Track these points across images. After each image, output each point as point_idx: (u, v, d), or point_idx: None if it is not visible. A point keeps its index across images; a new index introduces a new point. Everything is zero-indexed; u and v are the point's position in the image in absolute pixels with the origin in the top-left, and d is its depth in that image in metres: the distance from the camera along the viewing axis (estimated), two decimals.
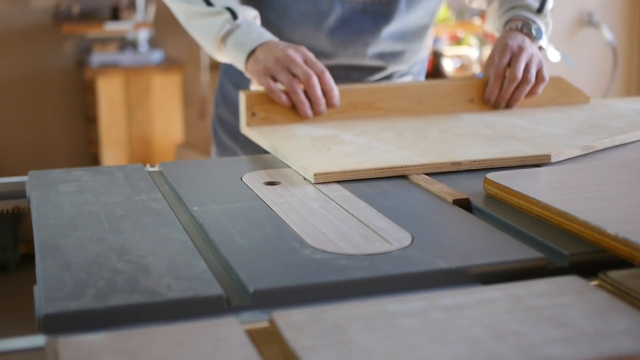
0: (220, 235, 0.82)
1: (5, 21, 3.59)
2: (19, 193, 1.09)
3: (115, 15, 3.62)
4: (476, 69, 3.76)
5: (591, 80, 4.08)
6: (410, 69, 1.52)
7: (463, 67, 3.79)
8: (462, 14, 3.90)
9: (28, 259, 3.31)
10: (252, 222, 0.85)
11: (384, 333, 0.59)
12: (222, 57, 1.37)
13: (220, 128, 1.55)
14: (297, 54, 1.26)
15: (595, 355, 0.56)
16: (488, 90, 1.36)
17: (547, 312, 0.62)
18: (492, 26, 1.54)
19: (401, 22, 1.42)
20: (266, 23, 1.42)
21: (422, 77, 1.59)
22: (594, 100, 1.45)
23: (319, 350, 0.57)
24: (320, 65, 1.26)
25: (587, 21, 4.02)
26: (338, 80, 1.36)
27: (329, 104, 1.27)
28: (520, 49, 1.34)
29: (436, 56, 3.64)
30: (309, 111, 1.26)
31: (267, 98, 1.27)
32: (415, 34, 1.46)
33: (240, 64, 1.32)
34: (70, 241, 0.81)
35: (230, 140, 1.52)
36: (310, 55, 1.27)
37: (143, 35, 3.61)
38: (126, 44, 3.65)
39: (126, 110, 3.52)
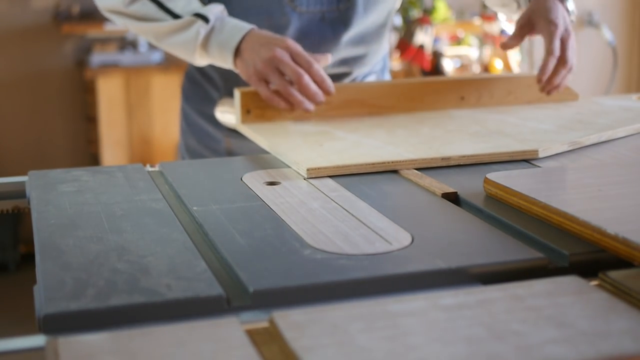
0: (220, 235, 0.82)
1: (5, 21, 3.59)
2: (19, 193, 1.09)
3: None
4: (476, 69, 3.76)
5: (591, 80, 4.08)
6: (372, 69, 1.52)
7: (463, 67, 3.79)
8: (462, 14, 3.90)
9: (28, 259, 3.31)
10: (252, 222, 0.85)
11: (384, 333, 0.59)
12: (208, 62, 1.34)
13: (190, 158, 1.52)
14: (284, 52, 1.23)
15: (595, 355, 0.56)
16: (547, 72, 1.29)
17: (547, 312, 0.62)
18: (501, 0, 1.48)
19: (360, 25, 1.41)
20: None
21: (386, 74, 1.57)
22: (583, 97, 1.47)
23: (319, 350, 0.57)
24: (307, 57, 1.24)
25: (587, 21, 4.02)
26: None
27: (325, 92, 1.25)
28: (568, 34, 1.30)
29: (436, 56, 3.64)
30: (308, 106, 1.24)
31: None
32: (375, 35, 1.45)
33: (229, 65, 1.30)
34: (70, 241, 0.81)
35: None
36: (296, 48, 1.24)
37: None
38: (126, 44, 3.65)
39: (126, 110, 3.52)
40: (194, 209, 0.90)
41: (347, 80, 1.46)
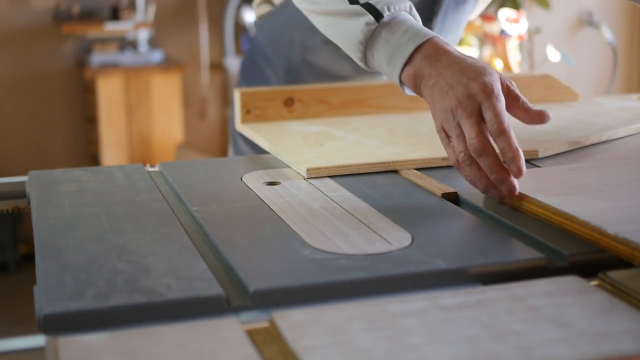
0: (220, 235, 0.82)
1: (5, 21, 3.59)
2: (19, 193, 1.09)
3: (115, 15, 3.62)
4: None
5: (591, 80, 4.08)
6: None
7: None
8: None
9: (28, 259, 3.31)
10: (252, 222, 0.85)
11: (384, 333, 0.59)
12: (375, 69, 1.03)
13: (241, 139, 1.47)
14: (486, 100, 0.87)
15: (595, 355, 0.56)
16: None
17: (547, 312, 0.62)
18: None
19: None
20: (290, 42, 1.37)
21: None
22: (583, 97, 1.47)
23: (319, 350, 0.57)
24: (504, 118, 0.87)
25: (587, 21, 4.02)
26: None
27: (514, 172, 0.86)
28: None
29: None
30: (492, 191, 0.89)
31: (262, 96, 1.29)
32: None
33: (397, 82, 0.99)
34: (70, 241, 0.81)
35: None
36: (498, 101, 0.88)
37: (143, 35, 3.61)
38: (126, 44, 3.65)
39: (126, 110, 3.52)
40: (194, 209, 0.90)
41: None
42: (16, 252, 3.31)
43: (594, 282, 0.70)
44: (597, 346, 0.57)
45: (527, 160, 1.08)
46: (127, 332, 0.61)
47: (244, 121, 1.28)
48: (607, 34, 3.94)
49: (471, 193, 0.94)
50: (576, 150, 1.15)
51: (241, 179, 1.02)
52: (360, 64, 1.03)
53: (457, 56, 0.92)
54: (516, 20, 3.56)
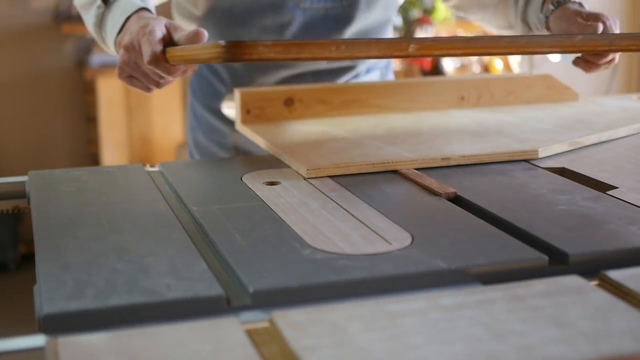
0: (220, 235, 0.82)
1: (5, 21, 3.59)
2: (19, 193, 1.09)
3: None
4: (476, 69, 3.76)
5: (591, 80, 4.08)
6: (377, 64, 1.51)
7: (463, 67, 3.79)
8: None
9: (28, 259, 3.31)
10: (252, 222, 0.85)
11: (384, 333, 0.59)
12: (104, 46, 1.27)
13: (199, 155, 1.53)
14: (139, 57, 1.11)
15: (595, 355, 0.56)
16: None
17: (547, 312, 0.62)
18: (502, 22, 1.42)
19: (363, 21, 1.41)
20: (226, 39, 1.40)
21: (390, 71, 1.56)
22: (583, 97, 1.47)
23: (318, 350, 0.57)
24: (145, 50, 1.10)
25: None
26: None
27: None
28: (598, 18, 1.18)
29: (436, 56, 3.64)
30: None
31: (262, 96, 1.29)
32: (378, 31, 1.45)
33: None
34: (70, 241, 0.81)
35: None
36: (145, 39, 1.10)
37: None
38: None
39: (126, 110, 3.52)
40: (194, 209, 0.90)
41: (352, 74, 1.46)
42: (16, 252, 3.31)
43: (594, 282, 0.70)
44: (597, 346, 0.57)
45: (527, 160, 1.09)
46: (127, 332, 0.61)
47: (243, 121, 1.28)
48: None
49: (471, 193, 0.94)
50: (576, 150, 1.15)
51: (241, 179, 1.02)
52: (103, 47, 1.26)
53: (139, 22, 1.13)
54: None
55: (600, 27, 1.18)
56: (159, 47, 1.07)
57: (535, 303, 0.64)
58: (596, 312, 0.62)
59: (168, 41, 1.09)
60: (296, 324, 0.61)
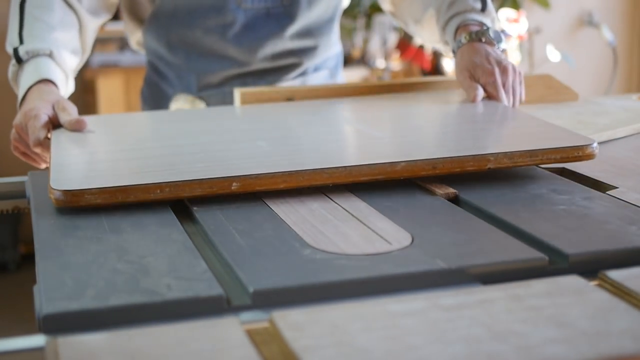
0: (220, 235, 0.82)
1: (5, 21, 3.58)
2: (19, 193, 1.09)
3: (115, 15, 3.62)
4: None
5: (591, 80, 4.08)
6: (325, 64, 1.53)
7: None
8: None
9: (28, 259, 3.31)
10: (252, 222, 0.85)
11: (384, 333, 0.59)
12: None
13: None
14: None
15: (595, 355, 0.56)
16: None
17: (547, 312, 0.62)
18: (431, 37, 1.44)
19: (305, 19, 1.43)
20: (171, 41, 1.43)
21: (339, 73, 1.58)
22: (583, 97, 1.47)
23: (318, 350, 0.57)
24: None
25: (587, 21, 4.02)
26: (255, 84, 1.41)
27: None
28: (506, 73, 1.25)
29: (436, 56, 3.64)
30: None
31: (262, 96, 1.29)
32: (322, 29, 1.47)
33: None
34: (70, 241, 0.81)
35: None
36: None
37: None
38: (126, 44, 3.65)
39: (126, 110, 3.52)
40: (194, 209, 0.90)
41: (298, 72, 1.48)
42: (16, 252, 3.30)
43: (594, 282, 0.70)
44: (597, 346, 0.57)
45: None
46: (127, 332, 0.61)
47: None
48: (607, 34, 3.94)
49: (471, 193, 0.94)
50: None
51: None
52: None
53: (30, 101, 1.22)
54: (516, 20, 3.56)
55: (502, 94, 1.24)
56: (42, 134, 1.13)
57: (535, 303, 0.64)
58: (596, 312, 0.62)
59: (55, 123, 1.17)
60: (296, 324, 0.61)
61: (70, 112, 1.18)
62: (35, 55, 1.25)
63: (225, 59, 1.42)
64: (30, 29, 1.28)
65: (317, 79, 1.51)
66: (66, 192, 0.88)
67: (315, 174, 0.92)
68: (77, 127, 1.15)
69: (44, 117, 1.15)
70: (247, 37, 1.40)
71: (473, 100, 1.24)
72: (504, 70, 1.26)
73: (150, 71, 1.53)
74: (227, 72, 1.43)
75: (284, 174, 0.91)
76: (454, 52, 1.32)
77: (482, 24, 1.31)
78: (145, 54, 1.52)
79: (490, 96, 1.25)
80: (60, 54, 1.28)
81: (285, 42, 1.43)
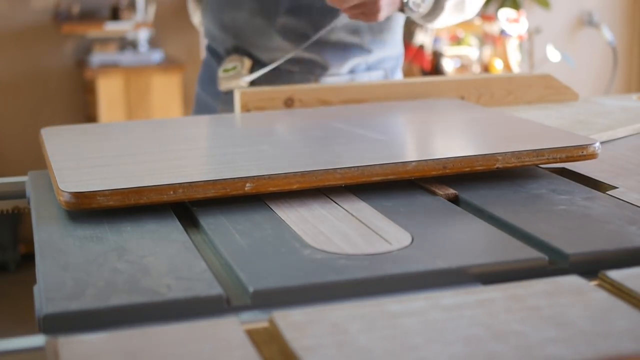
0: (220, 235, 0.82)
1: (5, 21, 3.59)
2: (19, 193, 1.09)
3: (115, 15, 3.62)
4: (476, 69, 3.76)
5: (591, 80, 4.08)
6: (381, 64, 1.50)
7: (463, 67, 3.79)
8: None
9: (28, 259, 3.31)
10: (252, 222, 0.85)
11: (384, 333, 0.59)
12: None
13: None
14: None
15: (595, 355, 0.56)
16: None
17: (547, 312, 0.62)
18: None
19: None
20: (223, 21, 1.43)
21: (397, 75, 1.55)
22: (583, 97, 1.47)
23: (319, 350, 0.57)
24: None
25: (587, 21, 4.02)
26: (303, 72, 1.39)
27: None
28: None
29: (436, 56, 3.64)
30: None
31: (262, 95, 1.29)
32: (373, 26, 1.43)
33: None
34: (70, 241, 0.81)
35: None
36: None
37: (143, 35, 3.61)
38: (126, 44, 3.65)
39: (126, 110, 3.52)
40: (194, 209, 0.90)
41: (347, 66, 1.45)
42: (16, 252, 3.31)
43: (594, 282, 0.70)
44: (596, 346, 0.57)
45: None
46: (127, 332, 0.61)
47: None
48: (607, 34, 3.94)
49: (471, 193, 0.94)
50: None
51: None
52: None
53: None
54: (516, 20, 3.56)
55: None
56: None
57: (535, 303, 0.64)
58: (596, 312, 0.62)
59: None
60: (296, 324, 0.61)
61: None
62: None
63: (271, 45, 1.41)
64: None
65: (369, 80, 1.47)
66: (77, 194, 0.86)
67: (328, 174, 0.92)
68: None
69: None
70: (292, 22, 1.39)
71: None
72: None
73: (208, 54, 1.53)
74: (272, 56, 1.42)
75: (296, 174, 0.91)
76: None
77: None
78: (205, 34, 1.53)
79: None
80: None
81: (331, 33, 1.41)
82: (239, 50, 1.45)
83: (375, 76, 1.49)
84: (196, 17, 1.55)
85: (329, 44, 1.42)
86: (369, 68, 1.49)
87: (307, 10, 1.39)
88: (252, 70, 1.43)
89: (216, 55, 1.50)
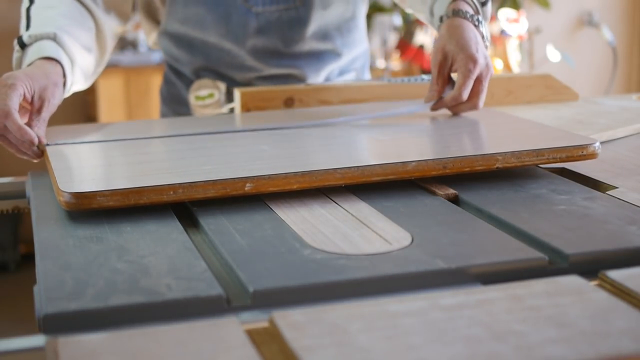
0: (220, 235, 0.82)
1: (5, 21, 3.58)
2: (19, 193, 1.09)
3: None
4: None
5: (591, 81, 4.08)
6: (352, 65, 1.49)
7: None
8: None
9: (28, 259, 3.31)
10: (252, 222, 0.85)
11: (384, 333, 0.59)
12: None
13: None
14: None
15: (595, 355, 0.56)
16: (443, 106, 1.19)
17: (547, 312, 0.62)
18: (422, 6, 1.32)
19: (320, 20, 1.38)
20: (190, 43, 1.40)
21: (366, 73, 1.54)
22: (583, 97, 1.47)
23: (319, 350, 0.57)
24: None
25: (587, 21, 4.02)
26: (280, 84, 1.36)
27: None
28: (487, 70, 1.15)
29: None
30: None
31: (262, 95, 1.29)
32: (343, 28, 1.42)
33: None
34: (70, 241, 0.81)
35: None
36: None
37: (143, 35, 3.61)
38: (126, 44, 3.65)
39: (126, 110, 3.52)
40: (194, 209, 0.90)
41: (322, 75, 1.44)
42: (16, 252, 3.30)
43: (594, 282, 0.70)
44: (596, 346, 0.57)
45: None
46: (127, 332, 0.61)
47: None
48: (607, 34, 3.94)
49: (471, 193, 0.94)
50: None
51: None
52: None
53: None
54: (516, 20, 3.56)
55: (471, 80, 1.13)
56: (12, 104, 1.02)
57: (535, 303, 0.64)
58: (596, 312, 0.62)
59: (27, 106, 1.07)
60: (296, 324, 0.61)
61: (42, 109, 1.08)
62: (39, 38, 1.17)
63: (243, 65, 1.39)
64: (37, 19, 1.21)
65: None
66: (77, 195, 0.86)
67: (328, 174, 0.92)
68: (21, 138, 1.05)
69: (20, 90, 1.05)
70: (262, 41, 1.36)
71: (425, 101, 1.19)
72: (487, 70, 1.15)
73: (169, 71, 1.50)
74: (246, 76, 1.40)
75: (296, 174, 0.91)
76: (441, 20, 1.21)
77: (477, 10, 1.21)
78: (163, 53, 1.49)
79: (457, 83, 1.15)
80: (63, 38, 1.18)
81: (303, 44, 1.39)
82: (209, 71, 1.41)
83: (348, 78, 1.48)
84: (151, 39, 1.51)
85: (302, 55, 1.41)
86: (342, 72, 1.48)
87: (276, 27, 1.37)
88: (228, 93, 1.40)
89: (181, 75, 1.47)
